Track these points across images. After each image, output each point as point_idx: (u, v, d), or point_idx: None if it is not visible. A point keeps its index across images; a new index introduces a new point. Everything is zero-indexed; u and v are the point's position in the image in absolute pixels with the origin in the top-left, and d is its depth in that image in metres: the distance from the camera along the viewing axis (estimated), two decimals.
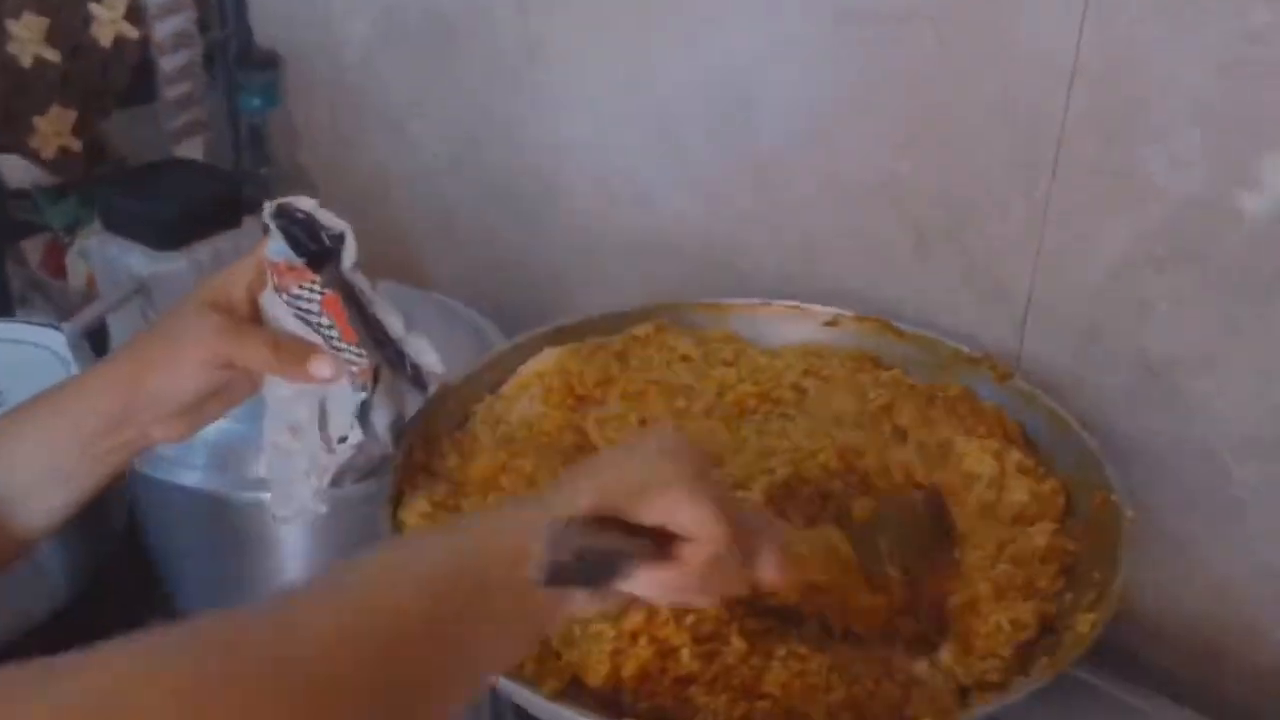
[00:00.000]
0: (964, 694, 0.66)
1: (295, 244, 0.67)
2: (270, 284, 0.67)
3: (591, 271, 1.12)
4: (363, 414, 0.69)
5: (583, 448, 0.78)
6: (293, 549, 0.90)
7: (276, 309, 0.68)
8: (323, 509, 0.71)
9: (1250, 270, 0.74)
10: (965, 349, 0.86)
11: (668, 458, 0.55)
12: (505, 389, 0.85)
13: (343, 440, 0.70)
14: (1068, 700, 0.65)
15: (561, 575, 0.51)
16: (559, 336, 0.90)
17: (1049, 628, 0.69)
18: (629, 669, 0.62)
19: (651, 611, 0.63)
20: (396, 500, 0.74)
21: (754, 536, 0.56)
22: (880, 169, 0.89)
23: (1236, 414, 0.78)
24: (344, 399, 0.69)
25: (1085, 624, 0.64)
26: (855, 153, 0.91)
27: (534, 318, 0.99)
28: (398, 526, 0.72)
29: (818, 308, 0.91)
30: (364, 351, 0.68)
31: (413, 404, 0.77)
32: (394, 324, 0.72)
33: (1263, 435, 0.78)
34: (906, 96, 0.86)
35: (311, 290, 0.66)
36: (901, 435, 0.79)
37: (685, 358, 0.88)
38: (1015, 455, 0.76)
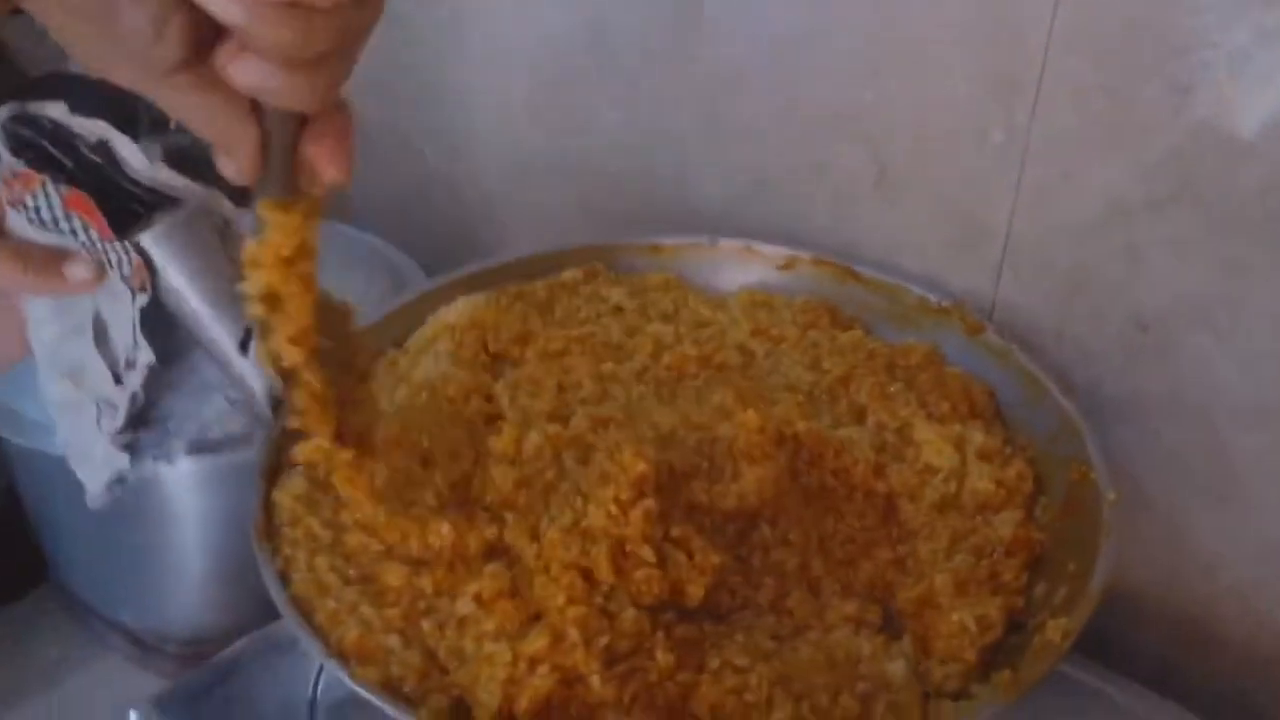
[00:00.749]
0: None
1: (45, 160, 0.58)
2: (5, 201, 0.58)
3: (524, 202, 1.02)
4: (146, 324, 0.59)
5: (492, 418, 0.68)
6: (178, 515, 0.81)
7: (21, 228, 0.58)
8: (124, 462, 0.61)
9: (1262, 212, 0.64)
10: (933, 298, 0.76)
11: None
12: (410, 342, 0.75)
13: (130, 365, 0.60)
14: (1034, 693, 0.56)
15: None
16: (479, 280, 0.80)
17: (1016, 624, 0.60)
18: (524, 702, 0.52)
19: (556, 635, 0.54)
20: (271, 476, 0.64)
21: None
22: (841, 93, 0.78)
23: (1239, 375, 0.69)
24: (121, 312, 0.59)
25: (1056, 631, 0.56)
26: (813, 75, 0.80)
27: (464, 253, 0.89)
28: (269, 508, 0.63)
29: (770, 249, 0.82)
30: (129, 246, 0.58)
31: None
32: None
33: (1267, 399, 0.68)
34: (871, 11, 0.75)
35: (47, 194, 0.56)
36: (859, 414, 0.70)
37: (618, 309, 0.78)
38: (978, 438, 0.67)
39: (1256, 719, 0.73)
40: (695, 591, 0.57)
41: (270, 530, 0.62)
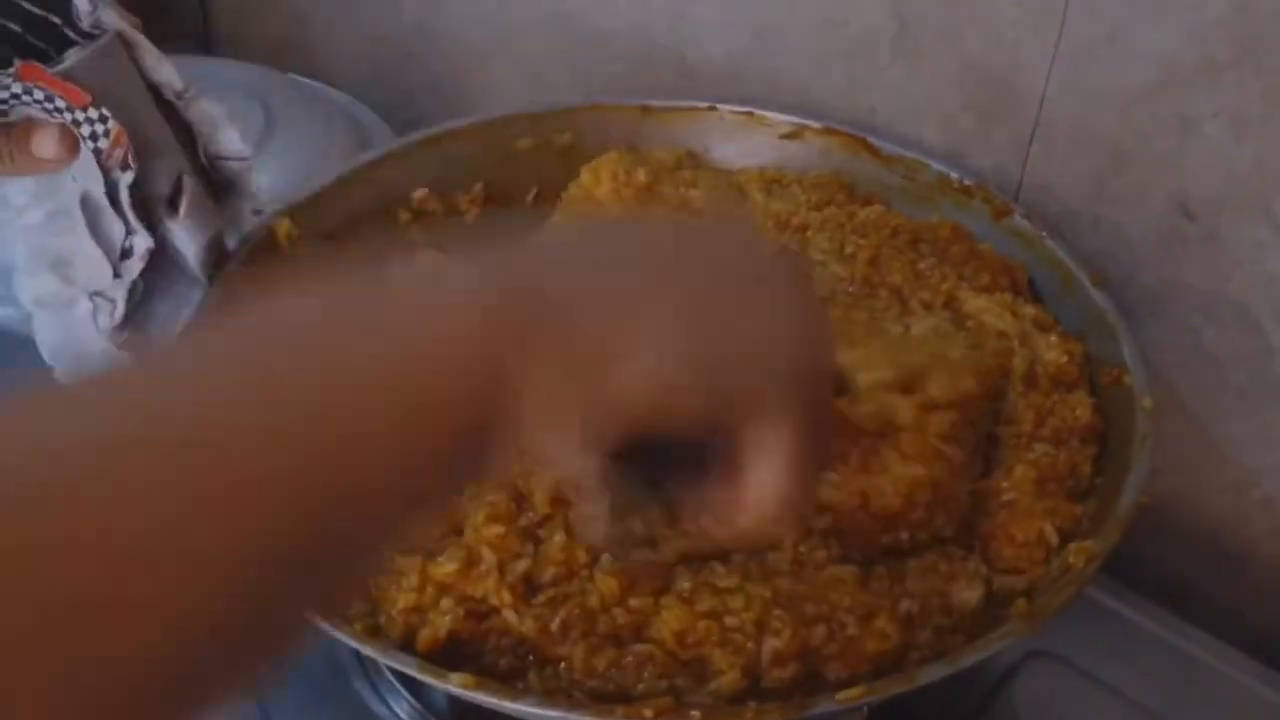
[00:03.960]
0: None
1: None
2: None
3: (509, 61, 0.93)
4: (139, 204, 0.52)
5: None
6: None
7: None
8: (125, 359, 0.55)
9: None
10: (955, 175, 0.68)
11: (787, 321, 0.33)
12: None
13: (127, 253, 0.53)
14: None
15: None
16: (448, 142, 0.72)
17: None
18: (424, 640, 0.46)
19: (470, 558, 0.47)
20: None
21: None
22: None
23: None
24: (108, 192, 0.52)
25: (1079, 555, 0.49)
26: None
27: (442, 116, 0.81)
28: None
29: (774, 116, 0.73)
30: (108, 112, 0.51)
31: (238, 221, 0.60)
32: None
33: None
34: None
35: None
36: (900, 297, 0.62)
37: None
38: (1029, 310, 0.60)
39: None
40: (668, 550, 0.48)
41: None
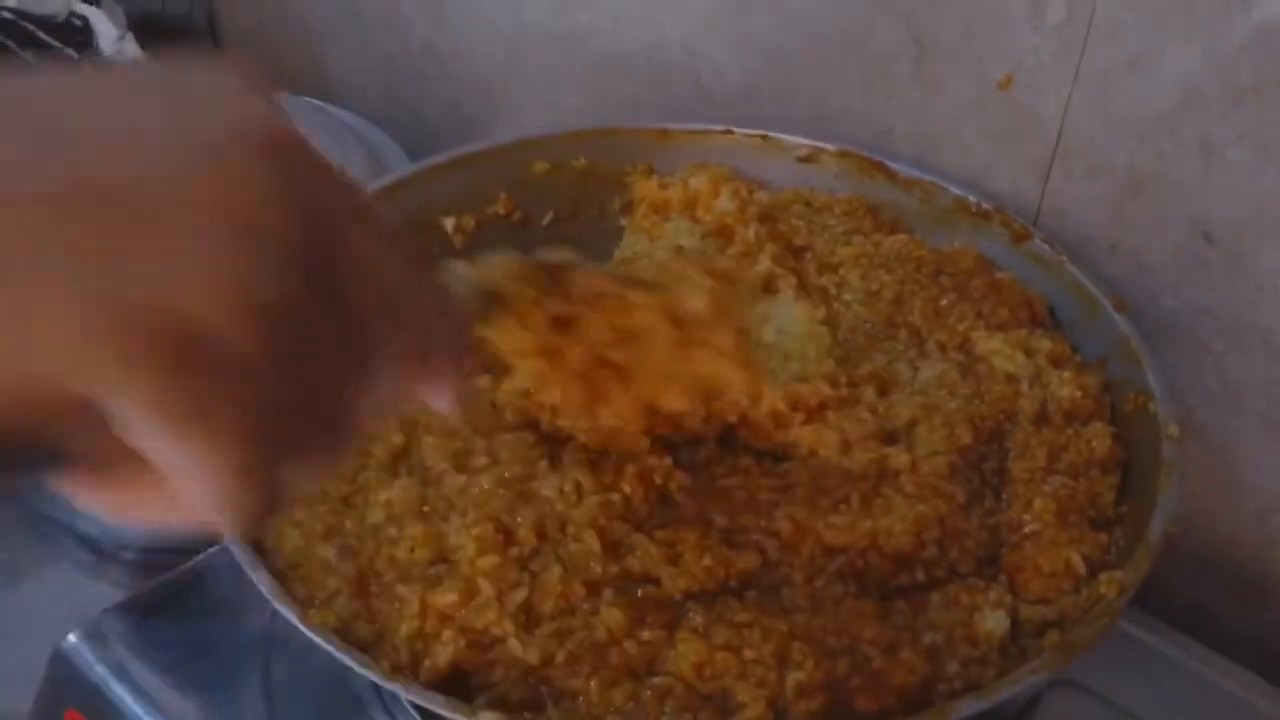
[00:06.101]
0: None
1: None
2: None
3: (521, 82, 0.92)
4: None
5: None
6: None
7: None
8: None
9: None
10: (973, 199, 0.68)
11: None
12: None
13: None
14: None
15: None
16: (463, 166, 0.71)
17: None
18: (426, 671, 0.46)
19: (469, 587, 0.47)
20: None
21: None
22: None
23: None
24: None
25: (1111, 585, 0.49)
26: None
27: (453, 138, 0.81)
28: None
29: (791, 139, 0.73)
30: None
31: None
32: None
33: None
34: None
35: None
36: (917, 337, 0.61)
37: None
38: (1045, 344, 0.59)
39: None
40: (671, 586, 0.49)
41: None
